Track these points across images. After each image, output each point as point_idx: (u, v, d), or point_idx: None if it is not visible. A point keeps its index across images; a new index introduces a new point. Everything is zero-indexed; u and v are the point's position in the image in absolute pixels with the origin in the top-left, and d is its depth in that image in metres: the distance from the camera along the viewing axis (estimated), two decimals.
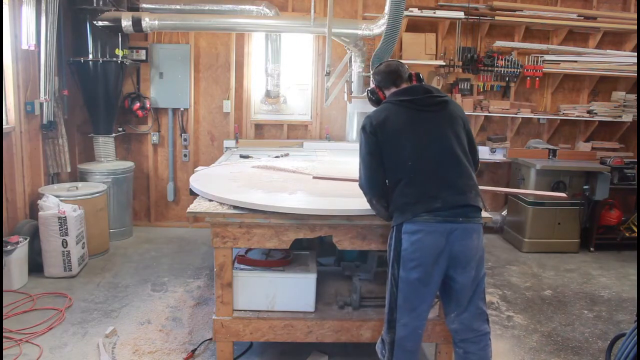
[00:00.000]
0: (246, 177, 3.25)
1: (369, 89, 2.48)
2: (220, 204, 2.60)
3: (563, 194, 3.00)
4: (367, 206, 2.37)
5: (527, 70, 5.35)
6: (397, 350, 2.18)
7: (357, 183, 2.38)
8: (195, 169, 3.58)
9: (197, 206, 2.58)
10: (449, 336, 2.71)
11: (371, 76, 2.47)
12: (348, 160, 3.90)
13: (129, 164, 5.13)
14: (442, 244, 2.11)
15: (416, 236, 2.11)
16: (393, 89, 2.37)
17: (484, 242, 2.30)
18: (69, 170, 4.75)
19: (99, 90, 4.85)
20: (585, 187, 5.00)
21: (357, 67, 4.95)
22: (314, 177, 3.06)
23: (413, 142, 2.18)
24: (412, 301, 2.17)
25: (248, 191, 2.79)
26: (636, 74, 5.21)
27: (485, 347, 2.29)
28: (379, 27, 4.49)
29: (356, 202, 2.52)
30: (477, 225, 2.18)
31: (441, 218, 2.10)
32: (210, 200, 2.67)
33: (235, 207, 2.53)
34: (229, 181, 3.09)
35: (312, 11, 4.40)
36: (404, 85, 2.37)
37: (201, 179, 3.10)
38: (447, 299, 2.29)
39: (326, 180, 3.02)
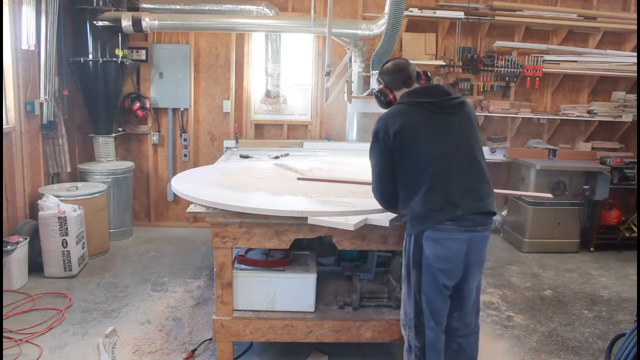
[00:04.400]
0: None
1: (377, 89, 2.35)
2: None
3: (549, 195, 3.00)
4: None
5: (527, 70, 5.35)
6: (429, 352, 2.17)
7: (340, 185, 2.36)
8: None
9: (197, 206, 2.58)
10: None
11: (377, 76, 2.38)
12: (354, 161, 3.90)
13: (129, 164, 5.13)
14: (463, 252, 2.11)
15: (439, 243, 2.08)
16: (404, 89, 2.27)
17: None
18: (69, 170, 4.75)
19: (99, 90, 4.85)
20: (585, 187, 5.00)
21: (357, 67, 4.95)
22: (299, 179, 3.09)
23: (434, 147, 2.10)
24: (436, 304, 2.16)
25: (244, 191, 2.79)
26: (636, 74, 5.20)
27: (478, 339, 2.36)
28: (379, 27, 4.50)
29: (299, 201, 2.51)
30: (490, 231, 2.20)
31: (463, 228, 2.08)
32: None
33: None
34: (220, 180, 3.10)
35: (312, 11, 4.40)
36: (415, 85, 2.29)
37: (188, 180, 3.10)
38: (452, 301, 2.27)
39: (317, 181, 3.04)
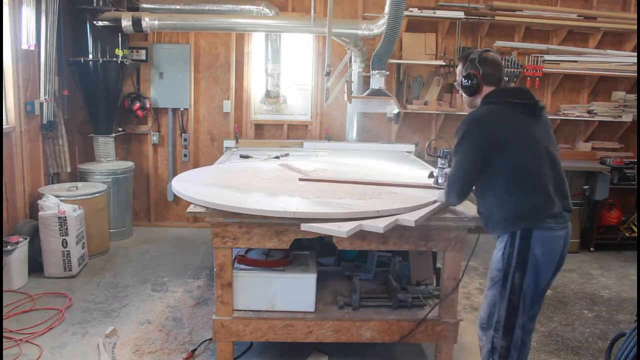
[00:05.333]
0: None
1: (469, 73, 2.28)
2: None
3: None
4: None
5: (527, 70, 5.34)
6: (513, 350, 2.20)
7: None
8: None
9: (197, 206, 2.58)
10: (449, 336, 2.73)
11: (472, 61, 2.28)
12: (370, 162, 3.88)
13: (129, 164, 5.13)
14: (561, 248, 2.19)
15: (547, 243, 2.13)
16: (492, 87, 2.27)
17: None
18: (69, 170, 4.75)
19: (99, 90, 4.85)
20: (585, 187, 5.00)
21: (357, 67, 4.95)
22: (301, 180, 3.08)
23: (532, 146, 2.16)
24: (533, 304, 2.22)
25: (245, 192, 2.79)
26: (636, 74, 5.20)
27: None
28: (379, 27, 4.49)
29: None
30: None
31: (560, 225, 2.15)
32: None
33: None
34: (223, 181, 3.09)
35: (312, 11, 4.40)
36: (502, 85, 2.31)
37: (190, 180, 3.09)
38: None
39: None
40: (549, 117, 2.42)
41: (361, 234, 2.53)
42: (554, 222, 2.13)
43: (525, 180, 2.14)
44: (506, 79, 2.20)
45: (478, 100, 2.30)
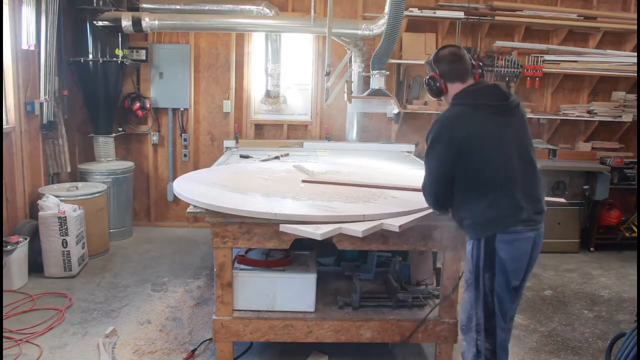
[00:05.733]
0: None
1: (428, 76, 2.26)
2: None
3: (562, 200, 3.07)
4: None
5: (527, 70, 5.34)
6: (500, 352, 2.19)
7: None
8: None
9: (196, 207, 2.58)
10: (449, 336, 2.73)
11: (429, 63, 2.26)
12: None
13: (129, 164, 5.13)
14: (529, 251, 2.15)
15: (513, 245, 2.10)
16: (458, 83, 2.21)
17: None
18: (69, 170, 4.75)
19: (99, 90, 4.85)
20: (585, 187, 5.00)
21: (357, 67, 4.95)
22: (304, 181, 3.07)
23: (500, 152, 2.10)
24: (507, 305, 2.18)
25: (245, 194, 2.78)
26: (636, 74, 5.20)
27: None
28: (379, 27, 4.49)
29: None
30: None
31: (530, 227, 2.11)
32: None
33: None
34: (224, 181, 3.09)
35: (312, 11, 4.40)
36: (470, 80, 2.22)
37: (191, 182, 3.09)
38: None
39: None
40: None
41: None
42: (522, 226, 2.09)
43: (492, 187, 2.09)
44: (480, 70, 2.14)
45: (450, 99, 2.26)
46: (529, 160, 2.17)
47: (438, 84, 2.23)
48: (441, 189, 2.21)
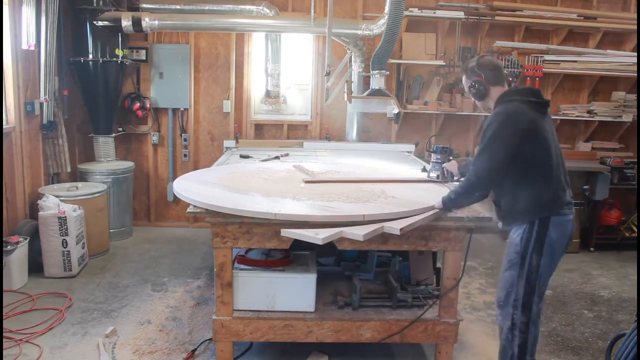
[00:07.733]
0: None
1: (474, 80, 2.48)
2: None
3: None
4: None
5: (527, 70, 5.34)
6: (532, 325, 2.42)
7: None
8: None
9: (196, 207, 2.57)
10: (449, 336, 2.73)
11: (472, 69, 2.48)
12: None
13: (129, 164, 5.13)
14: (570, 231, 2.43)
15: (563, 226, 2.36)
16: (499, 87, 2.45)
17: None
18: (69, 170, 4.75)
19: (99, 90, 4.86)
20: (585, 187, 5.00)
21: (357, 67, 4.95)
22: (305, 181, 3.07)
23: (548, 142, 2.36)
24: (546, 282, 2.44)
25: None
26: (636, 74, 5.20)
27: None
28: (379, 27, 4.49)
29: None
30: None
31: (571, 210, 2.41)
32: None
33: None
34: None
35: (312, 11, 4.40)
36: (507, 85, 2.48)
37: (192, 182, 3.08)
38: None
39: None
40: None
41: None
42: (567, 208, 2.37)
43: (545, 172, 2.34)
44: (510, 78, 2.42)
45: (491, 103, 2.47)
46: (561, 153, 2.46)
47: (483, 88, 2.47)
48: (496, 176, 2.38)
